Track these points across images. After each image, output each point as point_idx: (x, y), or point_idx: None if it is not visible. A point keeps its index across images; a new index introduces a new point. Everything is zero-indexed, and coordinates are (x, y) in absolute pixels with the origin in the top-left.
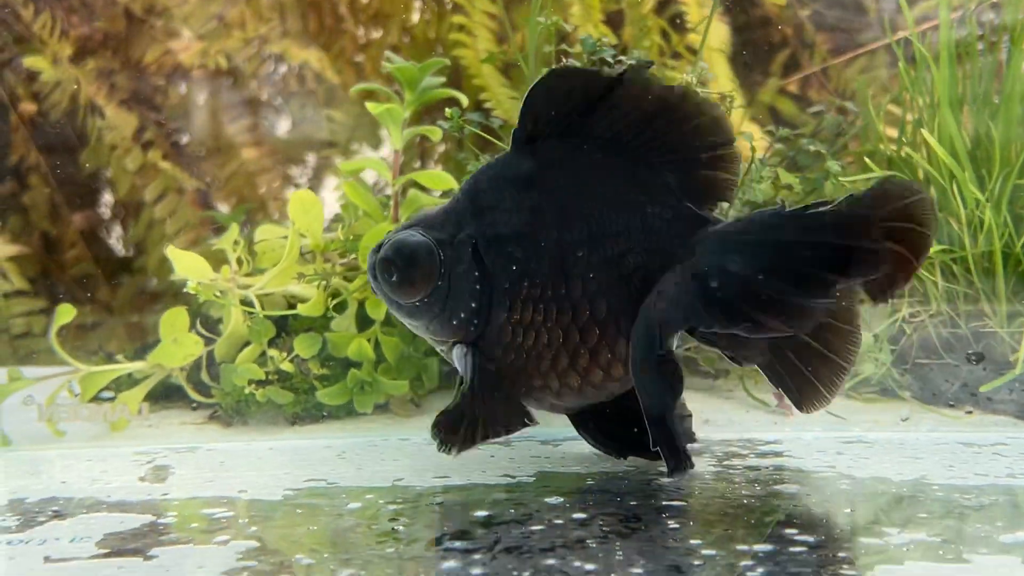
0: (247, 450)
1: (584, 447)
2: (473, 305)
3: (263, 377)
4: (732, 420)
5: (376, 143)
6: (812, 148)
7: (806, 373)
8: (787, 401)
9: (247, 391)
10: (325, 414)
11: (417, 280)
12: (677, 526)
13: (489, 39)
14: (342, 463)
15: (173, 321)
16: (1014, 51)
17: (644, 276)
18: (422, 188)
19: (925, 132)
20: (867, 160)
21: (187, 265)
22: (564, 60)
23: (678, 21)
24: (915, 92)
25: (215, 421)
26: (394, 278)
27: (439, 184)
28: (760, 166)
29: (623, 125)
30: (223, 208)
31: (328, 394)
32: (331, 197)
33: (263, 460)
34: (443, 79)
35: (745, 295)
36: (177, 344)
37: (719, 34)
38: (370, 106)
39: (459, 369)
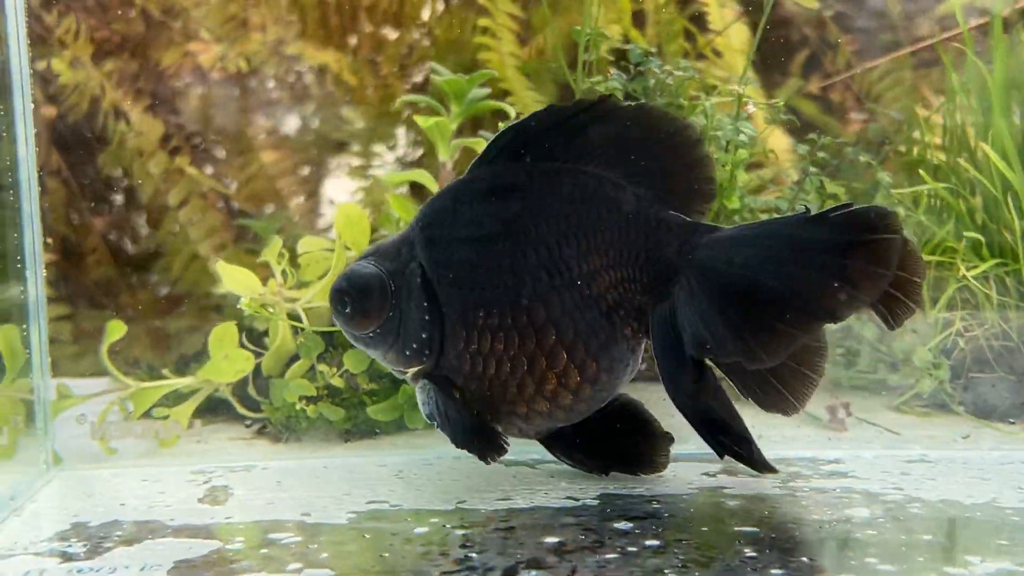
0: (301, 468)
1: None
2: (424, 336)
3: (314, 393)
4: (785, 436)
5: (393, 144)
6: (862, 158)
7: (776, 384)
8: (840, 416)
9: (298, 407)
10: (377, 431)
11: (370, 311)
12: (755, 554)
13: (513, 41)
14: (400, 483)
15: (222, 336)
16: None
17: (625, 291)
18: None
19: (984, 145)
20: (921, 172)
21: (236, 279)
22: (609, 72)
23: (699, 21)
24: (964, 96)
25: (263, 436)
26: (347, 309)
27: None
28: (809, 177)
29: (585, 145)
30: (242, 210)
31: (379, 410)
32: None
33: (320, 479)
34: (489, 90)
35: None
36: (228, 360)
37: (741, 35)
38: (419, 119)
39: (420, 407)
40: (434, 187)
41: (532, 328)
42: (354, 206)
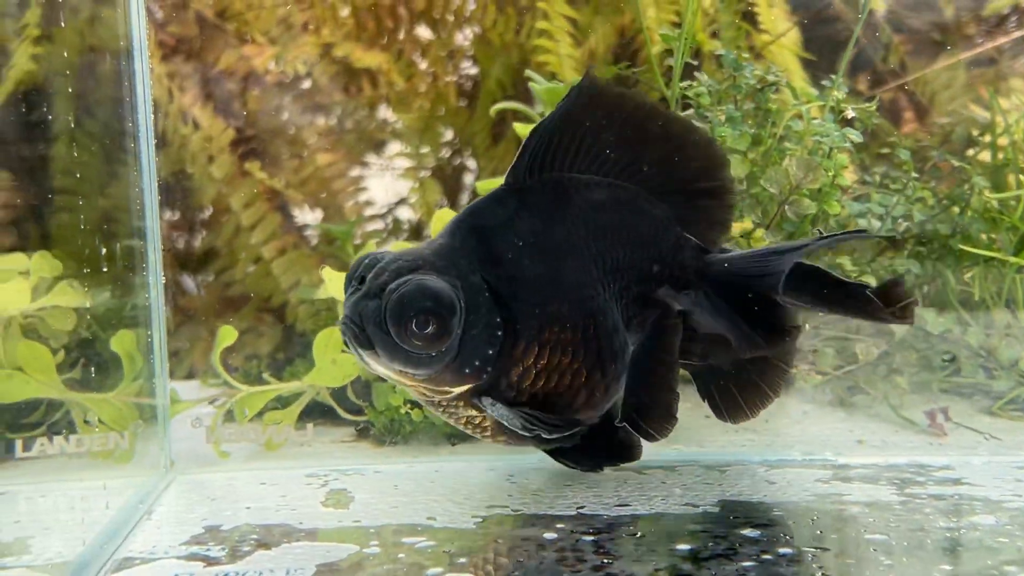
0: (413, 472)
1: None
2: (490, 352)
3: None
4: (886, 441)
5: (437, 147)
6: (955, 162)
7: (734, 393)
8: (939, 421)
9: (403, 411)
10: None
11: (452, 329)
12: (891, 562)
13: (570, 44)
14: (515, 488)
15: (327, 342)
16: None
17: (645, 302)
18: None
19: None
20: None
21: (340, 285)
22: (695, 78)
23: (750, 19)
24: None
25: (364, 439)
26: (429, 329)
27: None
28: (912, 185)
29: (622, 157)
30: (299, 211)
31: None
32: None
33: (435, 483)
34: None
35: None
36: (336, 365)
37: (790, 34)
38: (517, 127)
39: (505, 421)
40: None
41: (596, 340)
42: (450, 211)
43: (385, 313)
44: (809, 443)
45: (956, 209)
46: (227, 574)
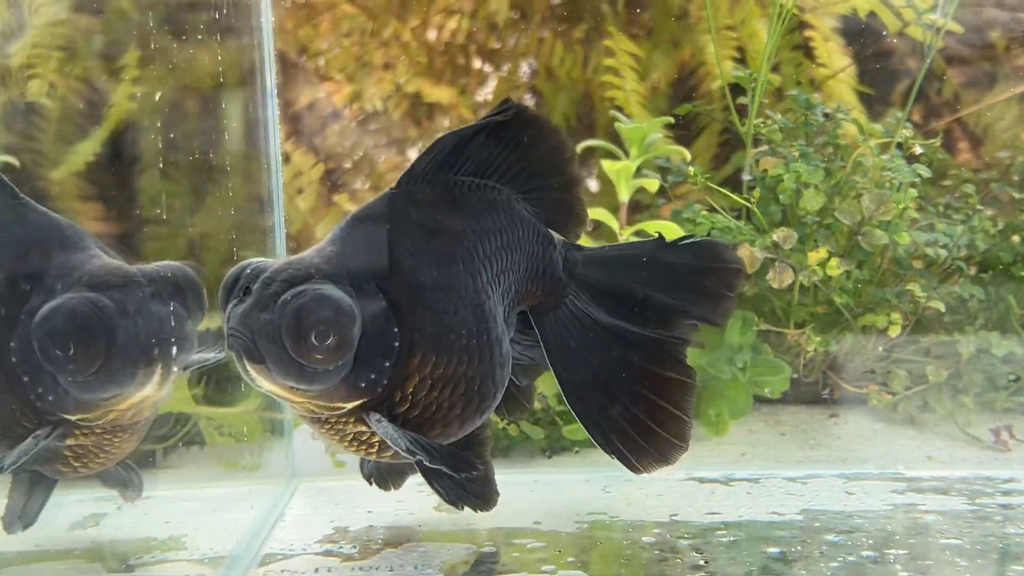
0: (514, 481)
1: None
2: (386, 364)
3: None
4: (954, 457)
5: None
6: (1016, 195)
7: (637, 440)
8: (1004, 437)
9: (500, 425)
10: (576, 449)
11: (352, 340)
12: (966, 563)
13: (635, 79)
14: (610, 497)
15: None
16: None
17: (519, 305)
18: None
19: None
20: None
21: None
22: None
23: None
24: None
25: None
26: (329, 341)
27: (668, 232)
28: (978, 216)
29: (487, 159)
30: None
31: (574, 430)
32: None
33: (534, 492)
34: (662, 134)
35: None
36: None
37: (848, 70)
38: (606, 164)
39: (393, 443)
40: (614, 224)
41: (489, 347)
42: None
43: (280, 326)
44: (881, 459)
45: (1017, 238)
46: (363, 567)
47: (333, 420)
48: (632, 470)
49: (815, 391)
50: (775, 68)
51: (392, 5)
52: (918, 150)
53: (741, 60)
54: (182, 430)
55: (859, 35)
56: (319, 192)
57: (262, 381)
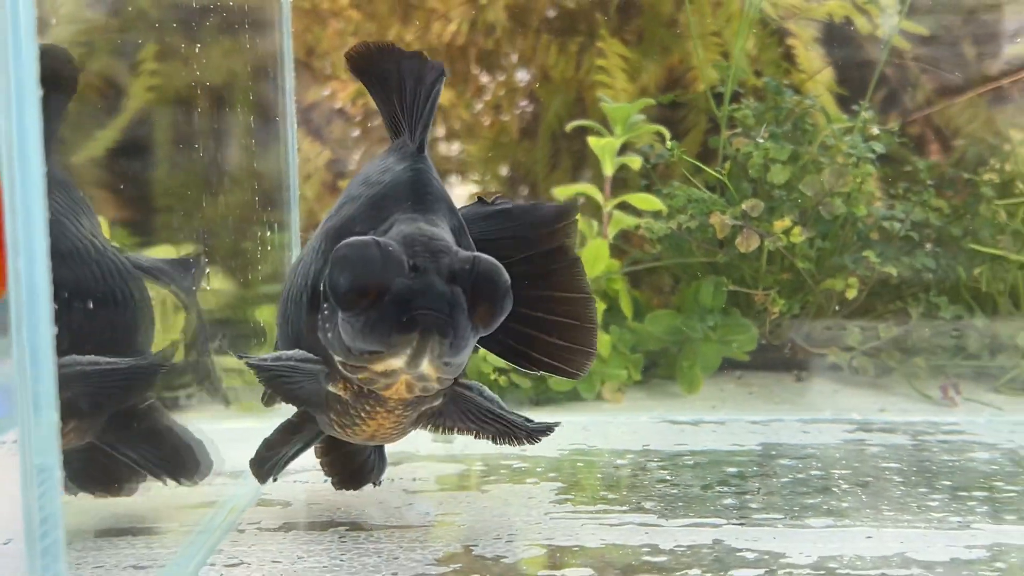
0: None
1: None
2: None
3: (504, 366)
4: (905, 409)
5: (496, 175)
6: (964, 175)
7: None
8: (951, 394)
9: (492, 377)
10: (560, 399)
11: None
12: (902, 480)
13: (625, 79)
14: (589, 433)
15: None
16: None
17: None
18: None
19: None
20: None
21: None
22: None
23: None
24: None
25: None
26: (509, 302)
27: (647, 205)
28: (928, 194)
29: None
30: None
31: (557, 382)
32: None
33: None
34: (644, 116)
35: None
36: None
37: (825, 73)
38: (592, 140)
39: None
40: (599, 196)
41: None
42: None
43: (478, 301)
44: (839, 409)
45: (968, 216)
46: None
47: (418, 401)
48: (568, 376)
49: (783, 357)
50: (759, 73)
51: (395, 11)
52: (875, 131)
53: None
54: (202, 377)
55: (839, 42)
56: (324, 178)
57: (430, 360)
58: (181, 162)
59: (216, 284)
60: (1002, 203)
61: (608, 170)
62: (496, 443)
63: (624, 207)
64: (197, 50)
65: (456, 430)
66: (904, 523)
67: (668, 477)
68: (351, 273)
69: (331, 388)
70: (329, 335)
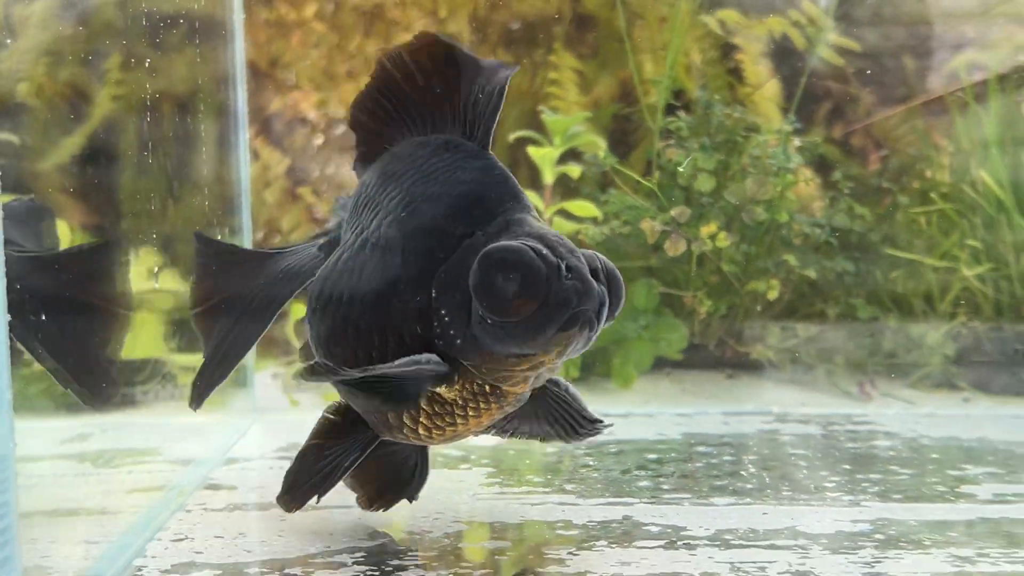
0: None
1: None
2: None
3: None
4: (824, 404)
5: None
6: (884, 184)
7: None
8: (868, 389)
9: None
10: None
11: None
12: (806, 464)
13: (577, 92)
14: None
15: None
16: None
17: None
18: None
19: (984, 172)
20: (933, 195)
21: None
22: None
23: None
24: (967, 136)
25: None
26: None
27: (585, 211)
28: (834, 200)
29: None
30: None
31: None
32: None
33: None
34: (583, 128)
35: None
36: None
37: (771, 86)
38: (532, 150)
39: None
40: (540, 204)
41: None
42: None
43: (613, 294)
44: (761, 404)
45: (886, 223)
46: None
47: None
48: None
49: (716, 356)
50: (705, 87)
51: (359, 24)
52: (797, 143)
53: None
54: (158, 373)
55: (784, 57)
56: (284, 186)
57: (572, 353)
58: (130, 168)
59: (171, 286)
60: (918, 211)
61: (548, 178)
62: (546, 440)
63: (564, 214)
64: (149, 61)
65: (519, 425)
66: (800, 501)
67: (592, 463)
68: (517, 281)
69: (441, 389)
70: (459, 341)
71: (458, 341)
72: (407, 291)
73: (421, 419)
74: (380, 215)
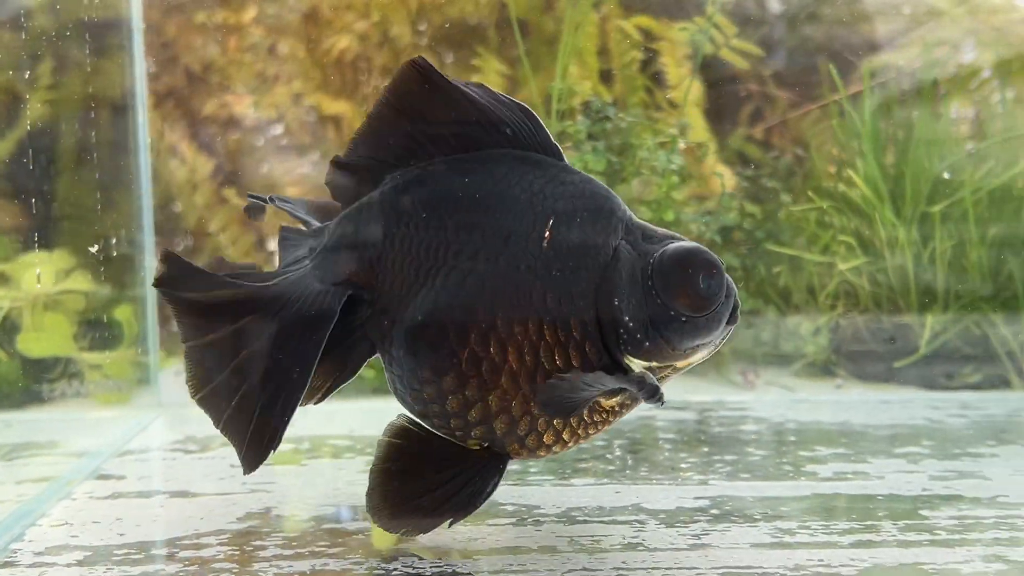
0: (345, 409)
1: None
2: None
3: None
4: (709, 391)
5: None
6: (770, 184)
7: None
8: (751, 377)
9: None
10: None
11: None
12: (670, 446)
13: None
14: None
15: None
16: (923, 107)
17: None
18: None
19: (852, 172)
20: (810, 193)
21: None
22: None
23: (659, 78)
24: (848, 140)
25: None
26: None
27: None
28: (730, 198)
29: None
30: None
31: None
32: None
33: (335, 416)
34: None
35: None
36: None
37: (695, 90)
38: None
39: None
40: None
41: None
42: None
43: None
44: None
45: (770, 221)
46: (200, 457)
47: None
48: None
49: None
50: (614, 98)
51: (295, 26)
52: (683, 145)
53: (606, 78)
54: (67, 371)
55: (704, 61)
56: (212, 189)
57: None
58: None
59: (82, 286)
60: (797, 208)
61: None
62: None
63: None
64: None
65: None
66: (653, 481)
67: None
68: (715, 279)
69: (607, 399)
70: (647, 343)
71: (646, 344)
72: (583, 305)
73: (573, 427)
74: (485, 234)
